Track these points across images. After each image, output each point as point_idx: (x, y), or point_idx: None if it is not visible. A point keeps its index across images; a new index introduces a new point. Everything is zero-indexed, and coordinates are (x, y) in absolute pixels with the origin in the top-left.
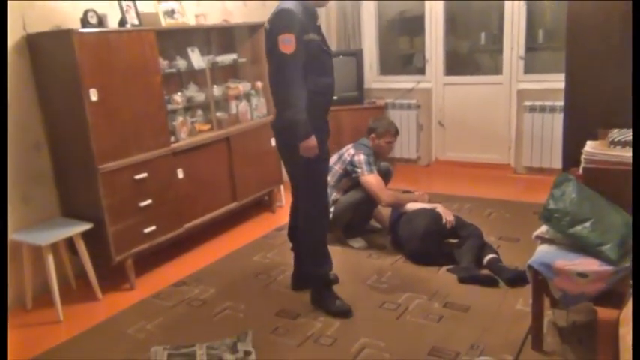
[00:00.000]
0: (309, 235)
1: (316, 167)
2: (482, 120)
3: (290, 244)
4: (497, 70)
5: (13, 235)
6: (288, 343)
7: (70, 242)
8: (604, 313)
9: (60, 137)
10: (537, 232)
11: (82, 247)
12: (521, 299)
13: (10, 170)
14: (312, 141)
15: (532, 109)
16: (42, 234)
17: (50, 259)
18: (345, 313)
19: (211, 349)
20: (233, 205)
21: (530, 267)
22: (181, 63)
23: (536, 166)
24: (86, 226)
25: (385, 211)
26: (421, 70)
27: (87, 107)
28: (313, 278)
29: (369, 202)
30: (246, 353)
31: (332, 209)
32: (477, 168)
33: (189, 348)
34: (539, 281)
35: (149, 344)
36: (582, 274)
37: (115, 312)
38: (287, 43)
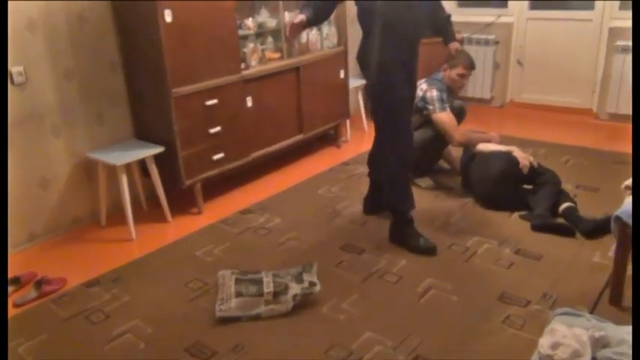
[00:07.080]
0: (395, 172)
1: (407, 104)
2: (566, 60)
3: (367, 170)
4: (588, 5)
5: (88, 154)
6: (353, 278)
7: (142, 164)
8: None
9: (134, 58)
10: (627, 182)
11: (153, 169)
12: (599, 252)
13: (86, 89)
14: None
15: (624, 49)
16: (116, 154)
17: (124, 179)
18: (430, 250)
19: (277, 277)
20: (300, 137)
21: (618, 218)
22: None
23: (623, 113)
24: (158, 149)
25: (456, 152)
26: (503, 4)
27: (162, 28)
28: (396, 213)
29: (440, 140)
30: (312, 284)
31: None
32: (555, 112)
33: (256, 274)
34: (626, 234)
35: (217, 267)
36: None
37: (184, 234)
38: None
